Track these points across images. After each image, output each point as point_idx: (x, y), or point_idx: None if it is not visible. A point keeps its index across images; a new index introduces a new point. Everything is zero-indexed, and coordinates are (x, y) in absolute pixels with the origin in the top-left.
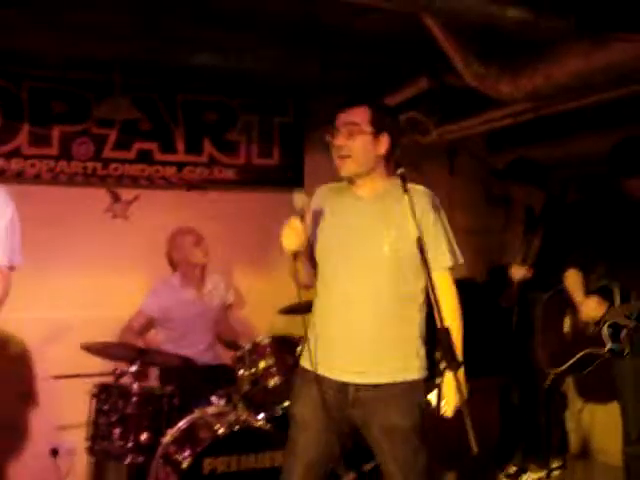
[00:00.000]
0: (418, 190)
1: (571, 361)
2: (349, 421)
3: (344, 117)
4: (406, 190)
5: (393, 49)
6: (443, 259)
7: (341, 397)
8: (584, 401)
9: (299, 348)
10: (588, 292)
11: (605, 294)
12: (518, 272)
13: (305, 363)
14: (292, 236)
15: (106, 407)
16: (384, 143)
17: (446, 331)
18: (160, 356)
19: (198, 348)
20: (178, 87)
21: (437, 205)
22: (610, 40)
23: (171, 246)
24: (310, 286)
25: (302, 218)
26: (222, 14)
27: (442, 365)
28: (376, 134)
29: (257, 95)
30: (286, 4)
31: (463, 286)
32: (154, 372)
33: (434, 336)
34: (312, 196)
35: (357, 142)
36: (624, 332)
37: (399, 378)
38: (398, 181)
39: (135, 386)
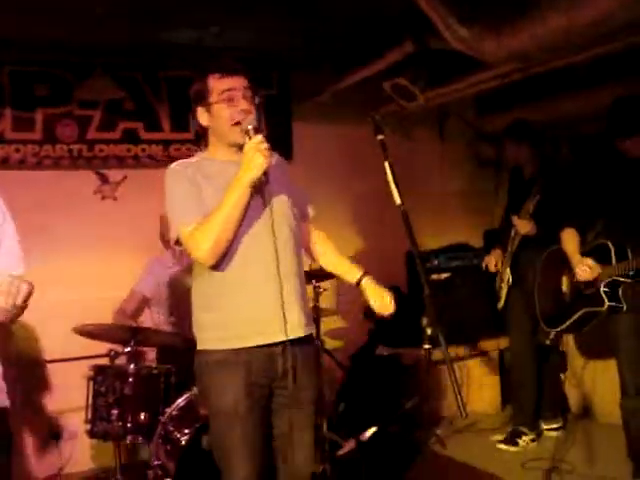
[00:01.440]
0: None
1: (570, 320)
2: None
3: (240, 82)
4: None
5: (376, 15)
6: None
7: (271, 367)
8: (585, 359)
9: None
10: (585, 251)
11: (602, 252)
12: (524, 226)
13: (223, 344)
14: (264, 148)
15: (103, 389)
16: None
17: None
18: (154, 335)
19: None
20: (160, 64)
21: None
22: None
23: (163, 225)
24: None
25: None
26: None
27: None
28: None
29: None
30: None
31: (458, 250)
32: (152, 352)
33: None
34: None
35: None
36: (621, 289)
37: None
38: None
39: (131, 367)
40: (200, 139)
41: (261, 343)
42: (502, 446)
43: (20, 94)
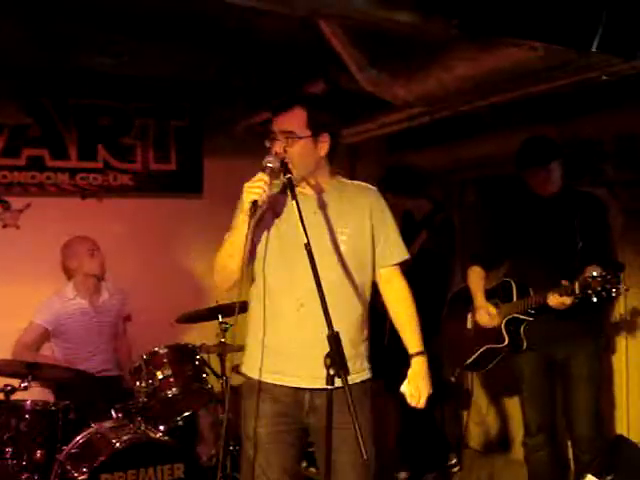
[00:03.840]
0: (365, 186)
1: (473, 357)
2: (305, 430)
3: (280, 123)
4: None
5: (290, 53)
6: (399, 252)
7: (296, 406)
8: (489, 397)
9: (198, 356)
10: (488, 288)
11: (504, 289)
12: None
13: (250, 373)
14: (255, 187)
15: None
16: (324, 143)
17: (336, 336)
18: (52, 370)
19: (96, 360)
20: (70, 91)
21: (383, 200)
22: (496, 45)
23: (65, 255)
24: (234, 271)
25: (269, 177)
26: (117, 16)
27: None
28: (315, 136)
29: (153, 99)
30: (180, 6)
31: None
32: (51, 387)
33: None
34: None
35: (295, 148)
36: (522, 327)
37: (359, 378)
38: (341, 179)
39: (27, 402)
40: (111, 169)
41: (285, 384)
42: None
43: None
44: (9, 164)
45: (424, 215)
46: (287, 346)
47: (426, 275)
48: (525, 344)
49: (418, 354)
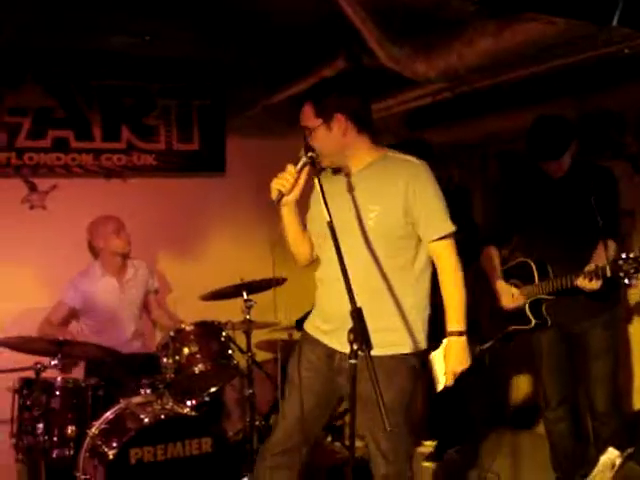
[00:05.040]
0: (406, 160)
1: (496, 338)
2: (334, 390)
3: (301, 122)
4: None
5: (310, 31)
6: (439, 228)
7: (328, 362)
8: (512, 372)
9: (224, 333)
10: (506, 268)
11: (523, 270)
12: None
13: (305, 326)
14: (281, 179)
15: (29, 402)
16: (340, 124)
17: (358, 312)
18: (81, 348)
19: (123, 337)
20: (93, 73)
21: (429, 172)
22: (517, 19)
23: (92, 235)
24: (300, 254)
25: (300, 169)
26: None
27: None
28: (327, 122)
29: (175, 79)
30: None
31: None
32: (81, 364)
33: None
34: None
35: (316, 140)
36: (544, 306)
37: (389, 351)
38: (388, 152)
39: (58, 379)
40: (135, 149)
41: (322, 341)
42: (427, 464)
43: None
44: (35, 146)
45: None
46: (327, 311)
47: None
48: (549, 322)
49: (451, 333)
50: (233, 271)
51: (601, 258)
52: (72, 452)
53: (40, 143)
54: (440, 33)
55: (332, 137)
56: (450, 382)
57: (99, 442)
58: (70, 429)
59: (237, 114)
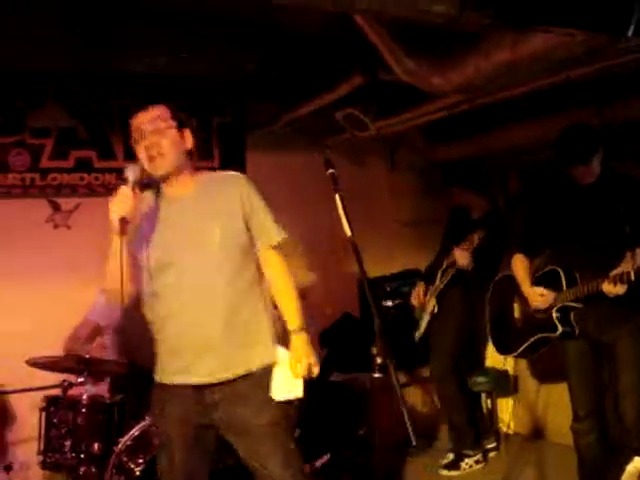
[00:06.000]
0: (234, 175)
1: (524, 346)
2: (212, 426)
3: (147, 115)
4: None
5: (327, 46)
6: (271, 237)
7: (199, 404)
8: (537, 382)
9: None
10: (535, 276)
11: (552, 278)
12: (464, 257)
13: (158, 377)
14: (120, 203)
15: (56, 420)
16: (189, 137)
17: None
18: (107, 365)
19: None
20: (113, 93)
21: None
22: (531, 32)
23: None
24: (118, 291)
25: (133, 190)
26: (156, 17)
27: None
28: (180, 129)
29: (194, 97)
30: (220, 5)
31: (409, 276)
32: (106, 381)
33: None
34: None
35: (167, 138)
36: (572, 314)
37: (248, 368)
38: (203, 174)
39: (84, 397)
40: None
41: (181, 382)
42: (444, 472)
43: None
44: (58, 166)
45: (483, 214)
46: (178, 346)
47: (480, 272)
48: (577, 331)
49: (298, 330)
50: None
51: (628, 265)
52: (98, 469)
53: (63, 163)
54: (456, 46)
55: (181, 145)
56: (315, 373)
57: (125, 458)
58: (97, 446)
59: (257, 130)
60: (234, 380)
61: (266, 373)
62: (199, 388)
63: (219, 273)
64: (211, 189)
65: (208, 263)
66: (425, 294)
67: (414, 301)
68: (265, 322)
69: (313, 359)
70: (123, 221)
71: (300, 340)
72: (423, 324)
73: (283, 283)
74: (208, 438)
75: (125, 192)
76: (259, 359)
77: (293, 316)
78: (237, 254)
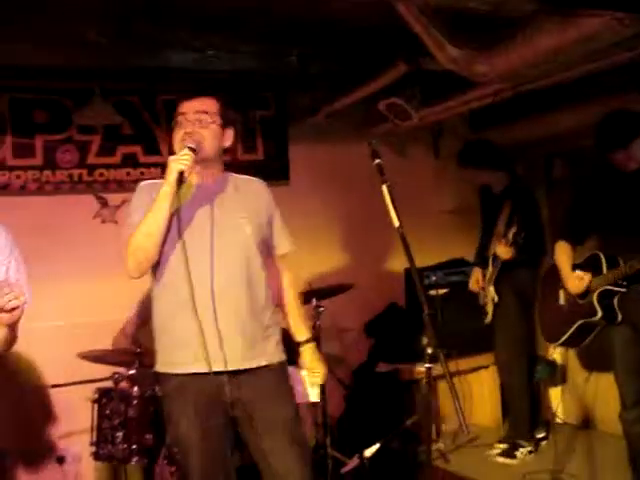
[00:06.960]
0: (257, 181)
1: (569, 333)
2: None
3: (194, 105)
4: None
5: (369, 37)
6: (285, 245)
7: (217, 394)
8: (586, 371)
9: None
10: (577, 263)
11: (593, 262)
12: (506, 252)
13: (166, 368)
14: (181, 158)
15: (108, 412)
16: (229, 137)
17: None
18: None
19: None
20: (157, 88)
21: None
22: (577, 16)
23: None
24: (153, 253)
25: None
26: (196, 13)
27: None
28: (223, 127)
29: (236, 91)
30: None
31: (455, 265)
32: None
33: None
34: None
35: (208, 130)
36: (616, 299)
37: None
38: (230, 174)
39: (135, 389)
40: None
41: (200, 371)
42: (501, 459)
43: (20, 121)
44: (105, 162)
45: (504, 187)
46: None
47: (527, 251)
48: (620, 316)
49: (308, 341)
50: (300, 278)
51: None
52: (150, 460)
53: (110, 159)
54: (499, 33)
55: (220, 140)
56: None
57: (176, 449)
58: (148, 437)
59: (299, 122)
60: (257, 369)
61: (285, 367)
62: (219, 376)
63: (247, 265)
64: (241, 187)
65: (239, 255)
66: (483, 278)
67: (473, 287)
68: (277, 323)
69: (325, 368)
70: (180, 176)
71: (313, 349)
72: (489, 310)
73: (294, 293)
74: (227, 435)
75: (188, 153)
76: (278, 354)
77: (303, 326)
78: (261, 250)
